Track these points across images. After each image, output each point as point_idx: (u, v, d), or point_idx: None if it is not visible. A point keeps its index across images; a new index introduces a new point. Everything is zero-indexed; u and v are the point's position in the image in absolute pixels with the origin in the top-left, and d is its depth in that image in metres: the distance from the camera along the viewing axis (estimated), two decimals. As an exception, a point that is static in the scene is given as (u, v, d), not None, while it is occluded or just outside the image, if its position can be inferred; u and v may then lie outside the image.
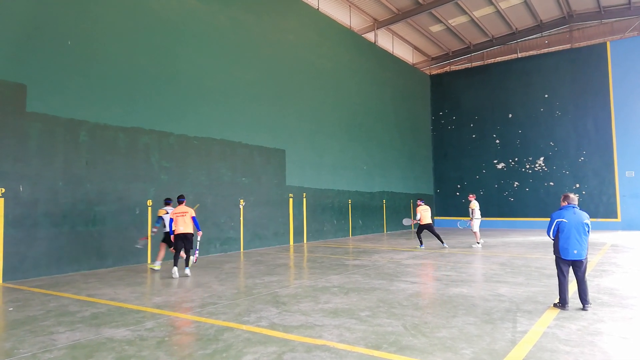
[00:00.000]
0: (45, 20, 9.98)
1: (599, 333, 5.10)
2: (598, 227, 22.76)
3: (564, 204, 6.44)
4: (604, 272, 9.36)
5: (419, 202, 15.06)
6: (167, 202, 10.57)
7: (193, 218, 9.56)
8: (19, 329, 5.51)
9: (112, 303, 6.93)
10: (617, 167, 22.80)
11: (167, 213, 10.16)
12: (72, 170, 10.25)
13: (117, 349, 4.72)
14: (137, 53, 11.77)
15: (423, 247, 14.51)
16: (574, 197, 6.46)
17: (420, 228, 14.73)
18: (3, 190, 9.06)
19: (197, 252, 10.29)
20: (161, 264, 10.49)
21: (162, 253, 10.34)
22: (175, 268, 9.29)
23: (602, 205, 23.04)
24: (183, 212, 9.47)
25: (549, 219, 6.54)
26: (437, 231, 14.95)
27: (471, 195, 15.83)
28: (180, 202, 9.72)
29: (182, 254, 9.71)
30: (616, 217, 22.67)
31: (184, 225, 9.38)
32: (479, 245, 14.86)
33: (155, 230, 10.46)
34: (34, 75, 9.69)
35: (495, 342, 4.79)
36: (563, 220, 6.26)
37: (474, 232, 15.13)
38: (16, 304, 6.93)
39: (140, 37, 11.89)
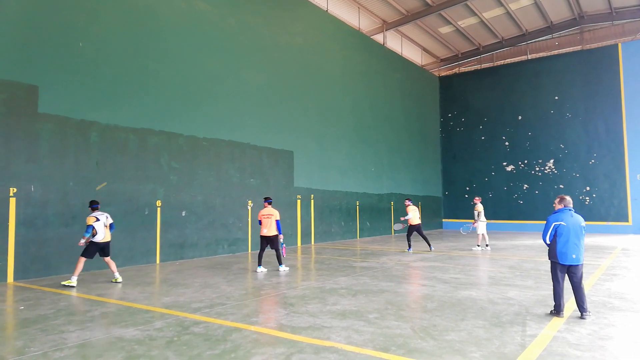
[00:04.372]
0: (57, 23, 10.09)
1: (609, 337, 5.05)
2: (609, 231, 22.55)
3: (560, 206, 6.14)
4: (615, 276, 9.27)
5: (407, 202, 14.62)
6: (94, 207, 8.77)
7: (277, 222, 10.18)
8: (30, 328, 5.57)
9: (121, 303, 6.99)
10: (629, 170, 22.52)
11: (98, 220, 8.60)
12: (82, 171, 10.35)
13: (126, 348, 4.75)
14: (147, 55, 11.86)
15: (411, 250, 14.00)
16: (570, 200, 6.17)
17: (410, 230, 14.16)
18: (15, 190, 9.17)
19: (283, 246, 10.47)
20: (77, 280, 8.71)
21: (80, 267, 8.55)
22: (260, 267, 10.17)
23: (613, 209, 22.78)
24: (268, 215, 10.21)
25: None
26: (425, 234, 14.40)
27: (477, 198, 15.66)
28: (266, 204, 10.41)
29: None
30: (627, 221, 22.40)
31: (267, 228, 10.14)
32: (479, 249, 14.60)
33: (84, 241, 8.55)
34: (45, 77, 9.79)
35: (504, 346, 4.76)
36: (561, 223, 5.94)
37: (479, 235, 14.73)
38: (27, 303, 7.01)
39: (150, 40, 11.98)
